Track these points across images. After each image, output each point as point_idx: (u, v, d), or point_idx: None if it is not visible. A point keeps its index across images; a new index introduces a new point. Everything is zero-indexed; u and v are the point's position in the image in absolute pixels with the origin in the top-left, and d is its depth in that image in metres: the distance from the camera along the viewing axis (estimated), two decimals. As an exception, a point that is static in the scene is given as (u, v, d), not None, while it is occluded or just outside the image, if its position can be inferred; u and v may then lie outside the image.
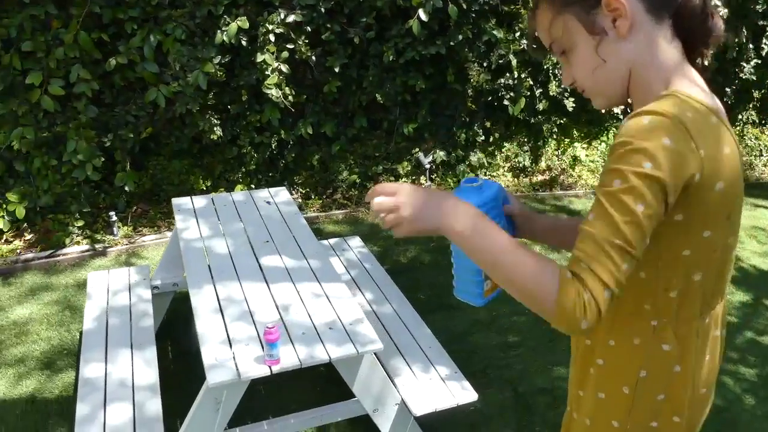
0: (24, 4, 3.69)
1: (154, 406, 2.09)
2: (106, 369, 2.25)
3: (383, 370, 2.09)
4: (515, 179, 5.33)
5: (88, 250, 3.95)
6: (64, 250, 3.94)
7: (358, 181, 4.86)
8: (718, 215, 0.97)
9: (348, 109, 4.78)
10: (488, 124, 5.15)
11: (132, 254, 3.96)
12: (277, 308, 2.09)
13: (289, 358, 1.84)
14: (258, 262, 2.37)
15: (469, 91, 4.89)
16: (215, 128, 4.27)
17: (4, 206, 4.01)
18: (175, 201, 2.86)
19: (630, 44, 0.97)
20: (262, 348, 1.87)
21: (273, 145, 4.55)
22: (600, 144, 5.59)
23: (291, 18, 4.10)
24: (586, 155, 5.51)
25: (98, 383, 2.18)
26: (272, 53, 4.13)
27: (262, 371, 1.78)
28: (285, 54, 4.18)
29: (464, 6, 4.41)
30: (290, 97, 4.33)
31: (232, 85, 4.28)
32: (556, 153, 5.47)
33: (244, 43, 4.09)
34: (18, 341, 3.00)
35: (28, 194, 4.06)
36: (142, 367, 2.26)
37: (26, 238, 4.08)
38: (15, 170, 4.09)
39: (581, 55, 1.01)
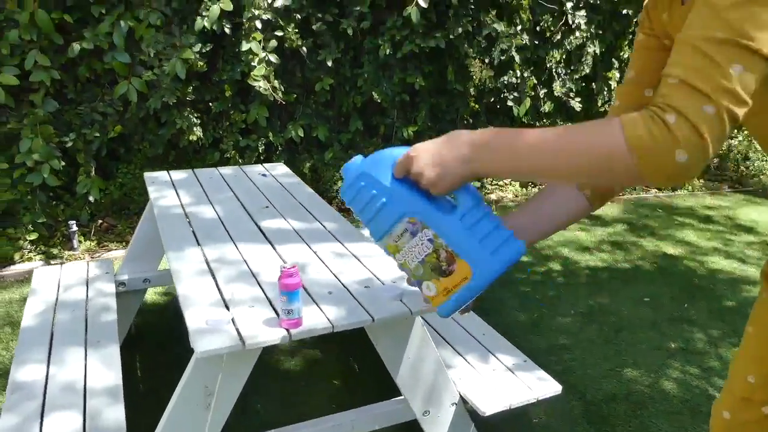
0: (-27, -19, 3.21)
1: (113, 414, 1.47)
2: (48, 372, 1.63)
3: (437, 353, 1.51)
4: (523, 189, 4.88)
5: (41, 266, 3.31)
6: (12, 267, 3.29)
7: (355, 190, 4.34)
8: None
9: (342, 111, 4.33)
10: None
11: (94, 268, 3.32)
12: (289, 268, 1.52)
13: (314, 319, 1.26)
14: (258, 226, 1.81)
15: (471, 90, 4.50)
16: (195, 128, 3.75)
17: (-58, 218, 3.38)
18: (147, 175, 2.31)
19: None
20: (275, 312, 1.29)
21: (260, 149, 4.03)
22: (610, 152, 5.21)
23: (279, 2, 3.69)
24: (598, 163, 5.11)
25: (35, 388, 1.55)
26: (259, 42, 3.69)
27: (276, 336, 1.20)
28: (273, 43, 3.74)
29: (464, -4, 4.08)
30: (279, 92, 3.86)
31: (214, 80, 3.80)
32: (566, 162, 5.07)
33: (227, 30, 3.64)
34: (-60, 363, 2.33)
35: (-29, 204, 3.44)
36: (99, 368, 1.64)
37: (-33, 256, 3.43)
38: (-43, 178, 3.49)
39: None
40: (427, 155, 0.84)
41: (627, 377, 2.32)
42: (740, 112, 0.68)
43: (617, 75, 4.81)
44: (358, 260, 1.59)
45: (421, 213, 0.89)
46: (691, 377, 2.33)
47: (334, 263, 1.56)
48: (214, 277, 1.45)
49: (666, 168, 0.69)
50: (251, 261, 1.55)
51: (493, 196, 4.69)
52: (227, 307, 1.30)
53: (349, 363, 2.35)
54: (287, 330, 1.21)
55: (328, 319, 1.26)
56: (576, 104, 4.71)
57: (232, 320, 1.24)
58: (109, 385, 1.57)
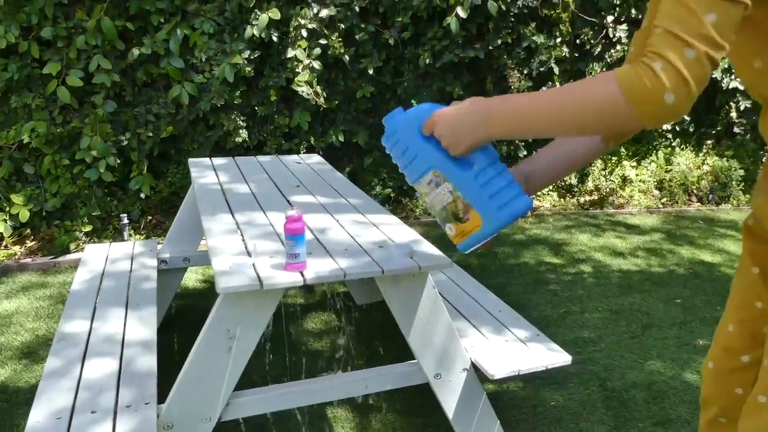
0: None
1: (146, 362, 1.60)
2: (91, 326, 1.78)
3: (449, 318, 1.58)
4: (561, 199, 4.88)
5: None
6: (68, 256, 3.54)
7: (392, 195, 4.46)
8: None
9: (382, 118, 4.46)
10: (530, 139, 4.77)
11: (142, 258, 3.53)
12: (312, 232, 1.63)
13: (327, 266, 1.36)
14: (287, 199, 1.94)
15: (511, 100, 4.56)
16: (240, 130, 3.96)
17: (8, 209, 3.67)
18: (191, 160, 2.48)
19: None
20: (292, 261, 1.40)
21: (301, 153, 4.20)
22: (650, 164, 5.15)
23: (324, 12, 3.88)
24: (636, 175, 5.07)
25: (78, 338, 1.70)
26: (303, 49, 3.88)
27: (291, 279, 1.30)
28: (317, 50, 3.93)
29: (503, 8, 4.17)
30: (322, 98, 4.03)
31: (261, 85, 4.01)
32: (603, 173, 5.04)
33: (274, 38, 3.85)
34: (-1, 331, 2.54)
35: (35, 197, 3.72)
36: (136, 325, 1.78)
37: (28, 245, 3.70)
38: (24, 173, 3.79)
39: None
40: (446, 123, 0.96)
41: (650, 369, 2.31)
42: (718, 55, 0.77)
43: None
44: (376, 227, 1.68)
45: (443, 169, 1.01)
46: (719, 373, 2.29)
47: (352, 228, 1.66)
48: (241, 234, 1.57)
49: (658, 110, 0.78)
50: (276, 225, 1.67)
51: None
52: (250, 255, 1.42)
53: (374, 346, 2.43)
54: (302, 273, 1.31)
55: (341, 268, 1.36)
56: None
57: (253, 265, 1.35)
58: (145, 339, 1.70)
